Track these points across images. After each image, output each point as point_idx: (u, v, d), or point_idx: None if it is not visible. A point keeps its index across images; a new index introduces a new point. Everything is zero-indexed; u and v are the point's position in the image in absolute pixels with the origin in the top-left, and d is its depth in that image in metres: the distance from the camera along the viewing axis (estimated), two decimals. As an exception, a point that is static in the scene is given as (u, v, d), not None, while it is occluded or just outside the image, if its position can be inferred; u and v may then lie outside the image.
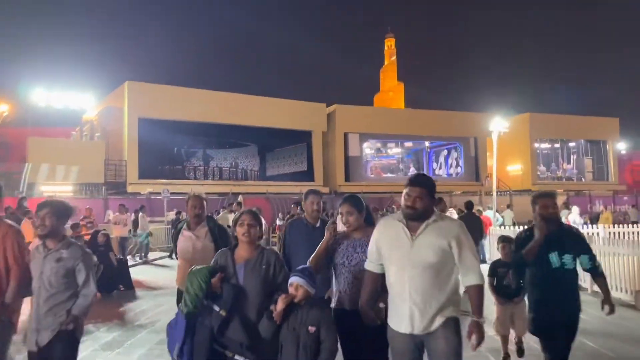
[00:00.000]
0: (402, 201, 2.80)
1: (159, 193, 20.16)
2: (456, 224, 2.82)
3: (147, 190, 21.71)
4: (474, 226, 12.45)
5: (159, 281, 10.90)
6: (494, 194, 15.29)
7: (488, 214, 15.20)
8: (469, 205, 12.62)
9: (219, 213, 15.22)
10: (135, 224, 15.67)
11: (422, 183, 2.80)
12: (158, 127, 23.05)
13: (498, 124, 15.05)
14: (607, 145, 34.58)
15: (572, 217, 16.10)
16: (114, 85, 25.60)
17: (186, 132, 25.95)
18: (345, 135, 28.96)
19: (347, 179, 28.90)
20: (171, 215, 18.90)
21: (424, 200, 2.74)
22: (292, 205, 14.60)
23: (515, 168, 32.88)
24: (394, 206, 21.94)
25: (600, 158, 34.93)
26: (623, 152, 36.31)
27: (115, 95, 25.00)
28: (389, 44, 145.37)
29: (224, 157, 32.04)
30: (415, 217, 2.76)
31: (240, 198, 23.02)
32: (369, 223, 3.29)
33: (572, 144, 35.49)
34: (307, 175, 28.42)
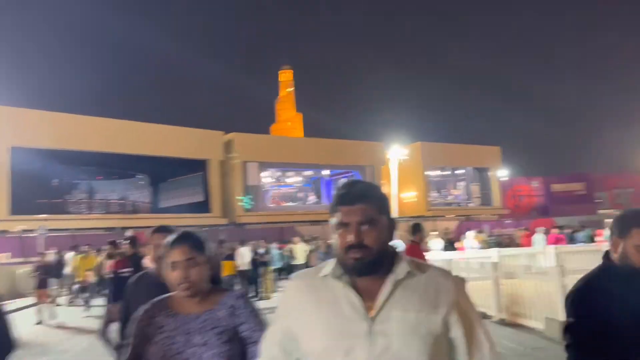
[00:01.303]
0: (337, 241, 1.33)
1: (34, 230, 17.97)
2: (450, 279, 1.38)
3: (18, 227, 19.29)
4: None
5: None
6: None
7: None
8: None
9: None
10: None
11: (366, 196, 1.34)
12: (33, 157, 20.76)
13: (397, 152, 15.20)
14: (491, 172, 37.00)
15: (468, 243, 16.62)
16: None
17: (67, 162, 23.66)
18: (244, 164, 28.17)
19: (245, 209, 28.00)
20: (50, 255, 16.80)
21: (379, 229, 1.32)
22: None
23: (410, 195, 33.99)
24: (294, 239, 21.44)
25: (485, 184, 37.24)
26: (504, 178, 39.04)
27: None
28: (286, 75, 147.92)
29: (112, 189, 29.71)
30: (369, 268, 1.31)
31: (128, 233, 21.29)
32: (216, 283, 1.84)
33: (460, 171, 37.55)
34: (204, 206, 27.14)
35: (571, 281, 7.77)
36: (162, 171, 28.42)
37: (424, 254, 7.16)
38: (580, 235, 19.20)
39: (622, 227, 2.03)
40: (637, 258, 1.94)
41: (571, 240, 18.59)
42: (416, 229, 7.00)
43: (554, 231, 18.20)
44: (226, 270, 13.57)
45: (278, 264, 15.69)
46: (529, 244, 17.98)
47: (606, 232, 18.77)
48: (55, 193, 24.84)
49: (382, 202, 1.37)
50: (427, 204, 33.39)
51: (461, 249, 16.39)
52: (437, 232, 18.26)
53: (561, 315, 7.63)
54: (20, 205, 20.66)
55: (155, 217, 25.59)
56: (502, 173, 38.50)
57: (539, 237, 17.81)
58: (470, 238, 16.50)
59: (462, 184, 37.56)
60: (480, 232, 21.11)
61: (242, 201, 27.96)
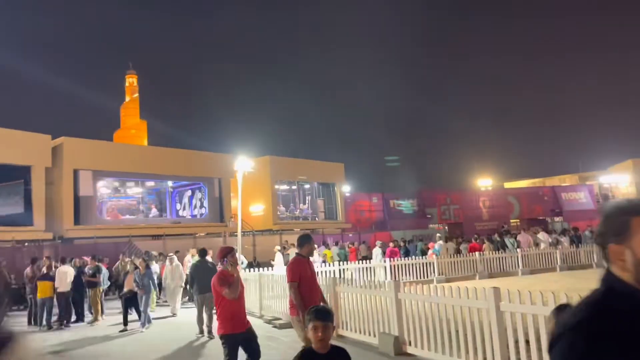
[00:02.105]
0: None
1: None
2: None
3: None
4: (208, 276, 11.59)
5: None
6: (239, 234, 14.83)
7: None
8: (202, 252, 11.78)
9: None
10: None
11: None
12: None
13: (243, 164, 14.78)
14: (336, 188, 38.43)
15: (316, 256, 16.78)
16: None
17: None
18: (76, 172, 25.43)
19: (76, 221, 25.24)
20: None
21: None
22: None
23: (258, 209, 33.80)
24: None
25: (330, 199, 38.53)
26: (347, 194, 40.83)
27: None
28: (130, 80, 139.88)
29: None
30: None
31: None
32: None
33: (306, 186, 38.40)
34: (25, 218, 23.87)
35: (406, 295, 7.94)
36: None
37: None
38: (414, 247, 20.56)
39: (618, 227, 1.33)
40: None
41: (406, 252, 19.82)
42: (303, 242, 6.59)
43: (391, 245, 19.33)
44: (42, 291, 11.84)
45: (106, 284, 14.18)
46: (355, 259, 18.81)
47: (437, 245, 20.50)
48: None
49: None
50: (274, 217, 33.44)
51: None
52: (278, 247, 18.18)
53: (395, 330, 7.76)
54: None
55: (-40, 230, 21.87)
56: (346, 188, 40.24)
57: (377, 251, 18.71)
58: (315, 253, 16.70)
59: (308, 198, 38.42)
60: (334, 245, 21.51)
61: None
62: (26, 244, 23.05)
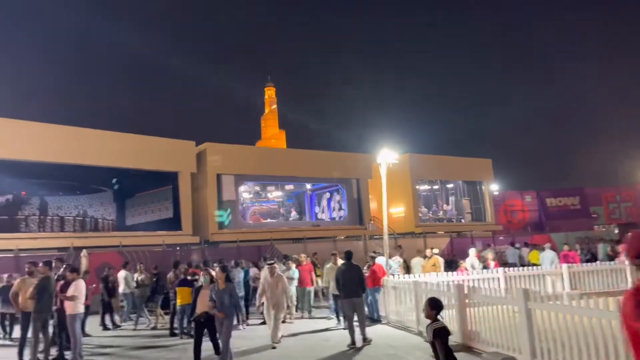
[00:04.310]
0: None
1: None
2: None
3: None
4: (355, 279, 10.12)
5: None
6: (385, 237, 13.11)
7: (379, 261, 12.94)
8: (348, 254, 10.32)
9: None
10: None
11: None
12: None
13: (387, 156, 13.03)
14: (483, 186, 35.10)
15: (470, 261, 14.46)
16: None
17: (15, 175, 21.15)
18: (219, 177, 25.80)
19: (220, 226, 25.57)
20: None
21: None
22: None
23: (398, 210, 31.87)
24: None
25: (477, 199, 35.31)
26: (496, 192, 37.17)
27: None
28: (269, 92, 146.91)
29: (75, 205, 27.17)
30: None
31: (83, 253, 18.78)
32: None
33: (450, 185, 35.63)
34: (174, 223, 24.68)
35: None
36: (129, 185, 26.03)
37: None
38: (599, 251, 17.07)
39: None
40: None
41: (591, 257, 16.45)
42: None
43: (565, 248, 16.14)
44: (181, 298, 11.19)
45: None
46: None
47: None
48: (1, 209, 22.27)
49: None
50: (416, 219, 31.26)
51: (461, 270, 14.19)
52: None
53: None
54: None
55: (120, 235, 23.13)
56: (494, 187, 36.64)
57: (549, 255, 15.71)
58: (472, 256, 14.33)
59: (452, 198, 35.60)
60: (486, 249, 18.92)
61: (218, 216, 25.57)
62: (178, 248, 23.72)
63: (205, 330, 8.67)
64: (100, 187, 26.98)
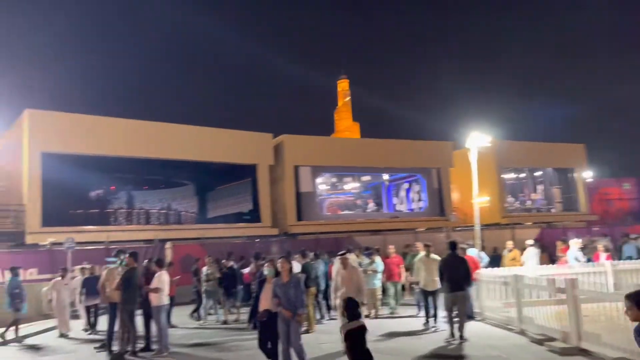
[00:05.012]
0: None
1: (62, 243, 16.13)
2: None
3: (48, 240, 17.57)
4: (460, 271, 9.29)
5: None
6: (477, 227, 12.14)
7: (471, 252, 12.00)
8: (452, 245, 9.48)
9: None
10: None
11: None
12: (67, 164, 19.10)
13: (478, 139, 12.00)
14: (575, 174, 32.62)
15: (572, 254, 13.13)
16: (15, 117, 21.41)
17: (103, 169, 22.01)
18: (296, 168, 25.62)
19: (299, 217, 25.39)
20: (77, 271, 14.72)
21: None
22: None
23: (483, 200, 30.17)
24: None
25: (568, 187, 32.89)
26: (590, 180, 34.39)
27: (14, 128, 20.92)
28: (343, 85, 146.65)
29: (159, 199, 28.07)
30: None
31: (168, 245, 19.21)
32: None
33: (538, 173, 33.41)
34: (253, 215, 24.82)
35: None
36: (209, 178, 26.48)
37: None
38: None
39: None
40: None
41: None
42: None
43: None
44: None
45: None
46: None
47: None
48: (90, 203, 23.30)
49: None
50: (502, 210, 29.51)
51: (562, 262, 12.91)
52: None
53: None
54: (52, 217, 19.00)
55: (201, 227, 23.54)
56: (588, 174, 33.88)
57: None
58: (575, 248, 12.95)
59: (541, 187, 33.34)
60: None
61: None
62: (257, 240, 23.77)
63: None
64: (182, 181, 27.67)
